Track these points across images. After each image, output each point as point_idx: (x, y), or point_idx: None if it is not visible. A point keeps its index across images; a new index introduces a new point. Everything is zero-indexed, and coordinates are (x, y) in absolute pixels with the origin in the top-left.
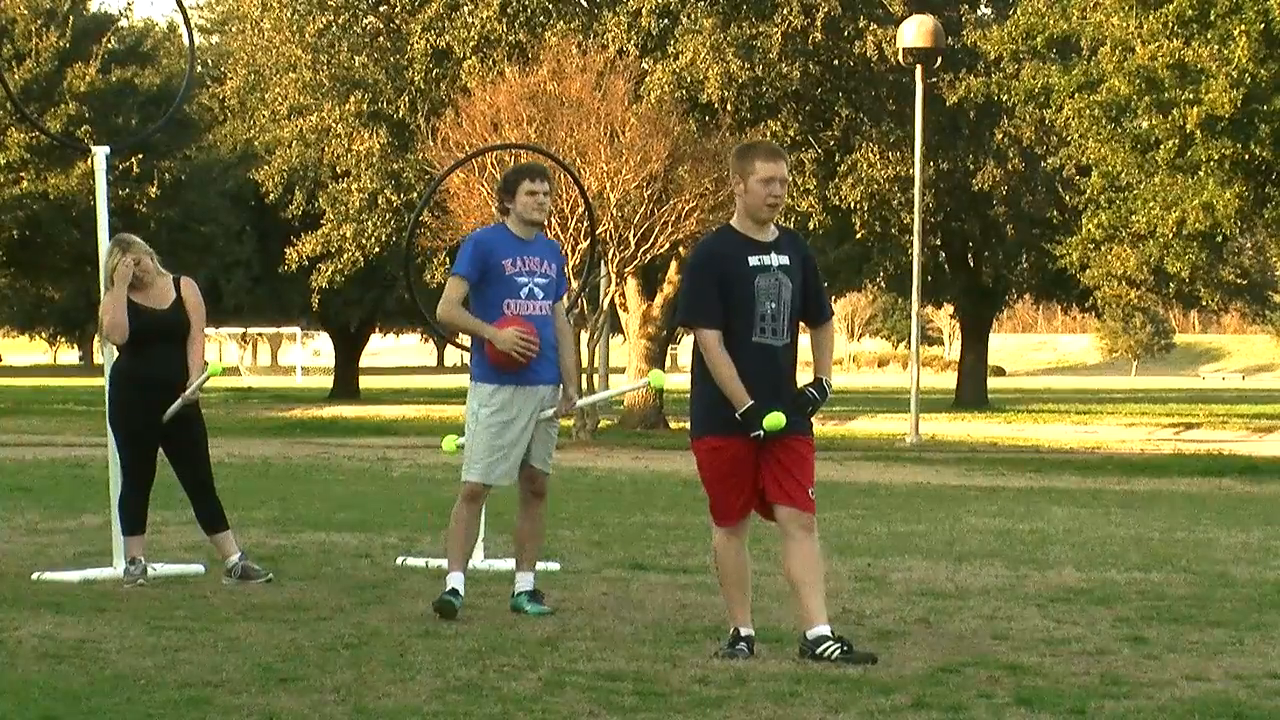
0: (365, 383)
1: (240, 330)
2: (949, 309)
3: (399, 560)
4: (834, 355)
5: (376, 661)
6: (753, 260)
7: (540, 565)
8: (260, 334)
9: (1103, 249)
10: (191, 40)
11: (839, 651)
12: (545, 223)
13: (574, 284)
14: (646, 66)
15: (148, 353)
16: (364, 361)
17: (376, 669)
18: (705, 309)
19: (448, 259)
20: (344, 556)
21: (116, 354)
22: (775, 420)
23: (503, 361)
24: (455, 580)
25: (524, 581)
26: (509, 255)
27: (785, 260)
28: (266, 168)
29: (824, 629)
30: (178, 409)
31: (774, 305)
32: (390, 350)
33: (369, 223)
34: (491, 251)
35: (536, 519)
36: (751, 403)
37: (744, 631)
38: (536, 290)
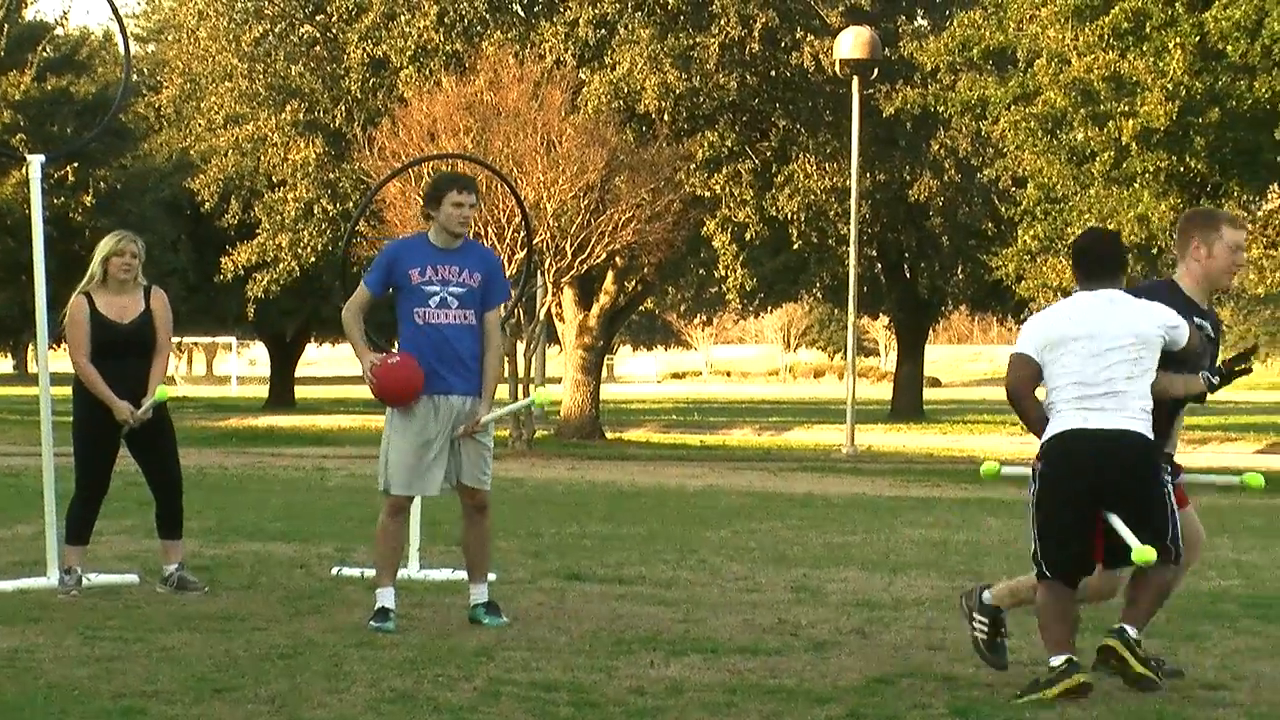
0: (301, 392)
1: (175, 340)
2: (885, 320)
3: (335, 570)
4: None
5: (311, 672)
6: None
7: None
8: (195, 343)
9: (1038, 260)
10: (127, 49)
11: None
12: (466, 234)
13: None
14: (584, 77)
15: (109, 365)
16: (300, 371)
17: (311, 679)
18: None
19: None
20: (279, 566)
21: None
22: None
23: (387, 389)
24: (385, 598)
25: (478, 594)
26: (417, 264)
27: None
28: (202, 177)
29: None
30: (132, 427)
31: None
32: (326, 360)
33: (305, 232)
34: (398, 261)
35: (480, 532)
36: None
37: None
38: (450, 299)
